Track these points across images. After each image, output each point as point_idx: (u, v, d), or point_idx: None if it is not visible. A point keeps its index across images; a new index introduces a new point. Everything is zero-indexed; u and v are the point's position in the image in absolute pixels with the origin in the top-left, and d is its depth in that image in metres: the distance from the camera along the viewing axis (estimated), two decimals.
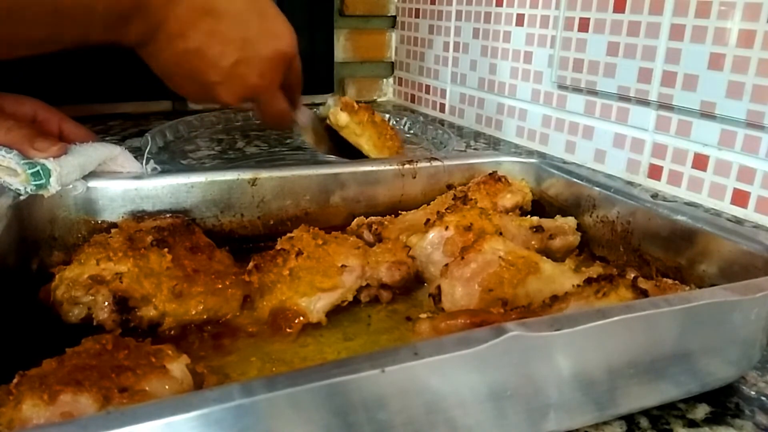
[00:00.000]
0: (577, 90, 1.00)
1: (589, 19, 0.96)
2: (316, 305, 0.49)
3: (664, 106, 0.86)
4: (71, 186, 0.55)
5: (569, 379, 0.36)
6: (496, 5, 1.17)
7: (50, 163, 0.51)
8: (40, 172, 0.51)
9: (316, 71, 1.45)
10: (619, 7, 0.90)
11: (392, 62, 1.60)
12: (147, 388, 0.34)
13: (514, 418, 0.35)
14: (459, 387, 0.32)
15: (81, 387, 0.32)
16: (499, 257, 0.50)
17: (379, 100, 1.61)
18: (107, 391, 0.32)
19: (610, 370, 0.37)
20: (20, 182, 0.50)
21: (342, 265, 0.51)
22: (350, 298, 0.52)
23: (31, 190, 0.51)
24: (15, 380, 0.34)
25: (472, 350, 0.31)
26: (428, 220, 0.60)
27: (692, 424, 0.40)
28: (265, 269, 0.51)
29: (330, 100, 0.78)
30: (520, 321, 0.33)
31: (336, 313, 0.52)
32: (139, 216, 0.58)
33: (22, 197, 0.51)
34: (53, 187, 0.52)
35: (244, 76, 0.58)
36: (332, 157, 0.79)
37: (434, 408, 0.32)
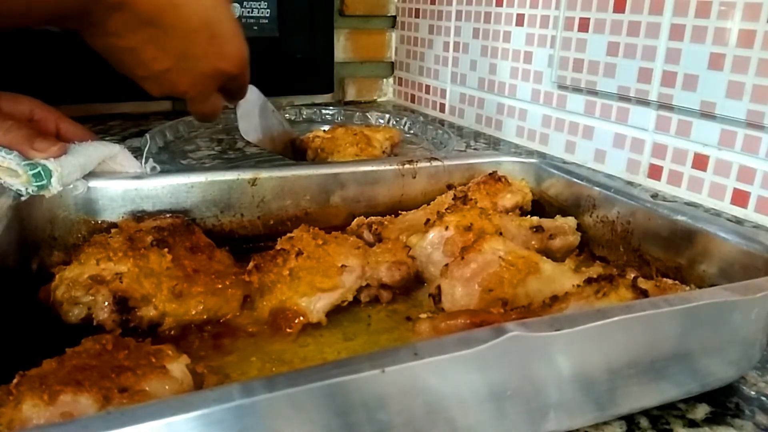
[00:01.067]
0: (577, 90, 1.00)
1: (589, 19, 0.96)
2: (316, 305, 0.49)
3: (664, 106, 0.86)
4: (72, 186, 0.55)
5: (569, 379, 0.36)
6: (496, 5, 1.17)
7: (51, 164, 0.51)
8: (41, 172, 0.51)
9: (316, 71, 1.45)
10: (619, 7, 0.90)
11: (392, 62, 1.60)
12: (147, 389, 0.34)
13: (514, 418, 0.35)
14: (459, 387, 0.32)
15: (81, 387, 0.32)
16: (499, 257, 0.50)
17: (379, 100, 1.61)
18: (107, 391, 0.32)
19: (610, 370, 0.37)
20: (21, 183, 0.50)
21: (342, 265, 0.51)
22: (350, 298, 0.52)
23: (32, 191, 0.51)
24: (15, 380, 0.33)
25: (472, 350, 0.31)
26: (428, 220, 0.60)
27: (692, 424, 0.40)
28: (265, 269, 0.51)
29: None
30: (520, 321, 0.33)
31: (336, 313, 0.52)
32: (139, 216, 0.58)
33: (23, 198, 0.51)
34: (54, 187, 0.52)
35: (173, 82, 0.59)
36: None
37: (434, 408, 0.32)
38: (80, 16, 0.51)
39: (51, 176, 0.51)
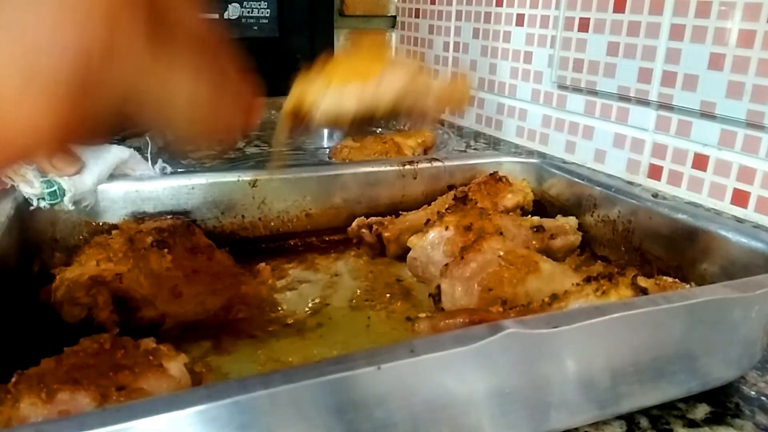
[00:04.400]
0: (577, 90, 1.00)
1: (589, 19, 0.96)
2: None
3: (664, 106, 0.86)
4: (82, 198, 0.55)
5: (568, 377, 0.36)
6: (496, 5, 1.17)
7: (66, 183, 0.52)
8: (57, 191, 0.52)
9: None
10: (619, 7, 0.90)
11: None
12: (145, 387, 0.34)
13: (512, 416, 0.35)
14: (456, 385, 0.32)
15: (79, 385, 0.32)
16: (499, 257, 0.50)
17: None
18: (105, 389, 0.33)
19: (609, 367, 0.37)
20: (35, 195, 0.52)
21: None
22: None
23: (44, 205, 0.52)
24: (13, 379, 0.34)
25: (469, 347, 0.31)
26: (428, 220, 0.60)
27: (692, 424, 0.40)
28: None
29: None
30: (517, 318, 0.33)
31: (336, 313, 0.52)
32: (139, 217, 0.58)
33: (32, 207, 0.52)
34: (66, 205, 0.53)
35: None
36: None
37: (431, 406, 0.32)
38: None
39: (65, 195, 0.52)
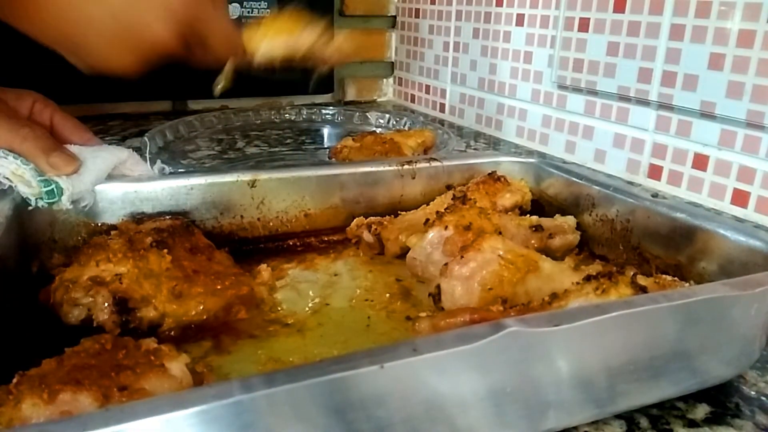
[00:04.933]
0: (577, 90, 1.00)
1: (589, 19, 0.96)
2: None
3: (664, 106, 0.86)
4: (80, 198, 0.55)
5: (568, 376, 0.36)
6: (496, 5, 1.17)
7: (64, 182, 0.52)
8: (54, 190, 0.51)
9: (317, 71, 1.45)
10: (619, 7, 0.90)
11: (392, 62, 1.60)
12: (146, 387, 0.34)
13: (513, 415, 0.35)
14: (458, 383, 0.32)
15: (80, 386, 0.32)
16: (499, 256, 0.50)
17: (379, 100, 1.61)
18: (107, 389, 0.33)
19: (609, 366, 0.37)
20: (32, 194, 0.51)
21: None
22: None
23: (42, 204, 0.52)
24: (15, 380, 0.34)
25: (471, 346, 0.31)
26: (428, 220, 0.60)
27: (692, 424, 0.40)
28: None
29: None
30: (518, 317, 0.33)
31: (336, 313, 0.52)
32: (138, 218, 0.58)
33: (30, 207, 0.52)
34: (64, 204, 0.53)
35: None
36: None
37: (433, 404, 0.32)
38: None
39: (63, 194, 0.52)
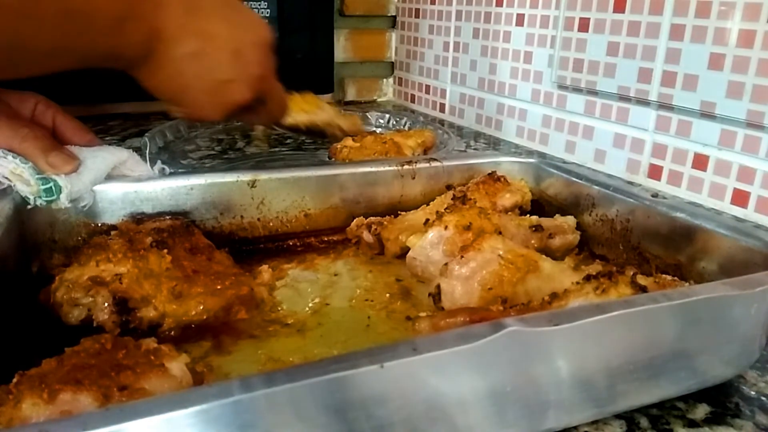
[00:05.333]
0: (577, 90, 1.00)
1: (589, 19, 0.96)
2: None
3: (664, 106, 0.86)
4: (79, 198, 0.55)
5: (568, 376, 0.36)
6: (496, 5, 1.17)
7: (62, 180, 0.52)
8: (52, 188, 0.51)
9: (316, 71, 1.45)
10: (619, 7, 0.90)
11: (392, 62, 1.60)
12: (146, 387, 0.34)
13: (512, 414, 0.35)
14: (458, 383, 0.32)
15: (80, 386, 0.32)
16: (499, 256, 0.50)
17: (379, 100, 1.61)
18: (107, 389, 0.33)
19: (609, 366, 0.37)
20: (31, 193, 0.51)
21: None
22: None
23: (40, 203, 0.52)
24: (15, 380, 0.34)
25: (471, 345, 0.31)
26: (427, 220, 0.60)
27: (692, 424, 0.40)
28: None
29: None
30: (518, 316, 0.33)
31: (336, 313, 0.52)
32: (138, 218, 0.58)
33: (30, 206, 0.52)
34: (63, 203, 0.52)
35: (247, 67, 0.55)
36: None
37: (433, 404, 0.32)
38: (135, 21, 0.48)
39: (61, 192, 0.52)
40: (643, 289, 0.41)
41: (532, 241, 0.59)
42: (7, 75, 0.44)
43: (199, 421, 0.26)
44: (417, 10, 1.44)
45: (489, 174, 0.69)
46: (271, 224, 0.65)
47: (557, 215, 0.64)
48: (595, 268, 0.48)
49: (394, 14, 1.55)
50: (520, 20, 1.11)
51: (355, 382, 0.29)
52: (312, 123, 0.88)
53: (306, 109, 0.88)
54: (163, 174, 0.61)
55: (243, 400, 0.27)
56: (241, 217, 0.63)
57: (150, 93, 0.53)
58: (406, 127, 1.09)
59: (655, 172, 0.89)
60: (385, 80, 1.61)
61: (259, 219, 0.64)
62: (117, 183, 0.58)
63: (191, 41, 0.51)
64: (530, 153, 1.06)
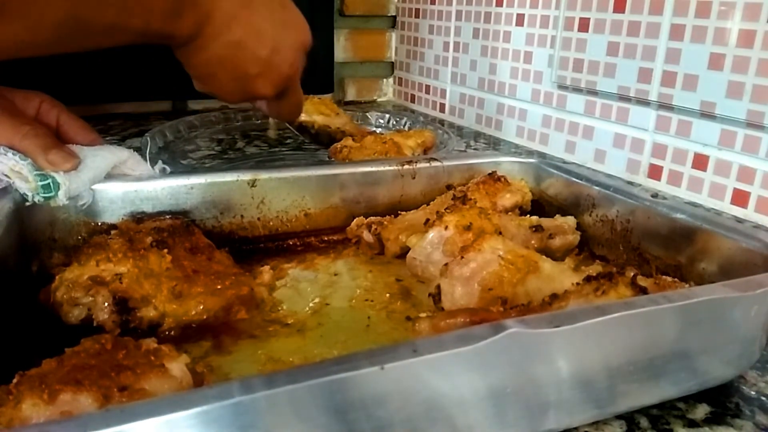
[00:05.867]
0: (577, 90, 1.00)
1: (589, 19, 0.96)
2: None
3: (664, 106, 0.86)
4: (78, 196, 0.55)
5: (568, 377, 0.36)
6: (496, 5, 1.17)
7: (60, 177, 0.52)
8: (51, 185, 0.51)
9: (316, 71, 1.45)
10: (619, 7, 0.90)
11: (392, 62, 1.60)
12: (146, 387, 0.34)
13: (513, 415, 0.35)
14: (458, 384, 0.32)
15: (81, 386, 0.32)
16: (499, 256, 0.50)
17: (379, 100, 1.61)
18: (107, 390, 0.32)
19: (609, 367, 0.37)
20: (30, 189, 0.51)
21: None
22: None
23: (39, 200, 0.52)
24: (15, 380, 0.34)
25: (471, 347, 0.31)
26: (428, 220, 0.60)
27: (692, 424, 0.40)
28: None
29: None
30: (518, 318, 0.33)
31: (336, 313, 0.52)
32: (138, 217, 0.58)
33: (28, 203, 0.52)
34: (61, 200, 0.52)
35: (278, 66, 0.58)
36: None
37: (433, 405, 0.32)
38: (191, 7, 0.50)
39: (59, 189, 0.52)
40: (644, 291, 0.41)
41: (533, 242, 0.59)
42: (63, 48, 0.45)
43: (199, 423, 0.26)
44: (417, 10, 1.44)
45: (489, 174, 0.69)
46: (271, 224, 0.65)
47: (557, 215, 0.64)
48: (596, 268, 0.48)
49: (394, 14, 1.55)
50: (520, 20, 1.11)
51: (355, 383, 0.29)
52: (325, 126, 0.94)
53: (323, 112, 0.94)
54: (163, 173, 0.61)
55: (243, 401, 0.27)
56: (241, 216, 0.63)
57: (183, 67, 0.56)
58: (406, 127, 1.09)
59: (655, 172, 0.89)
60: (385, 80, 1.61)
61: (259, 218, 0.64)
62: (117, 182, 0.58)
63: (237, 31, 0.53)
64: (530, 153, 1.07)
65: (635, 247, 0.57)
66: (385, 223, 0.64)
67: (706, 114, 0.81)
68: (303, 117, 0.92)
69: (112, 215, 0.58)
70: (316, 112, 0.93)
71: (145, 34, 0.48)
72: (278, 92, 0.60)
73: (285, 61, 0.58)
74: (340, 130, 0.94)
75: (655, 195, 0.58)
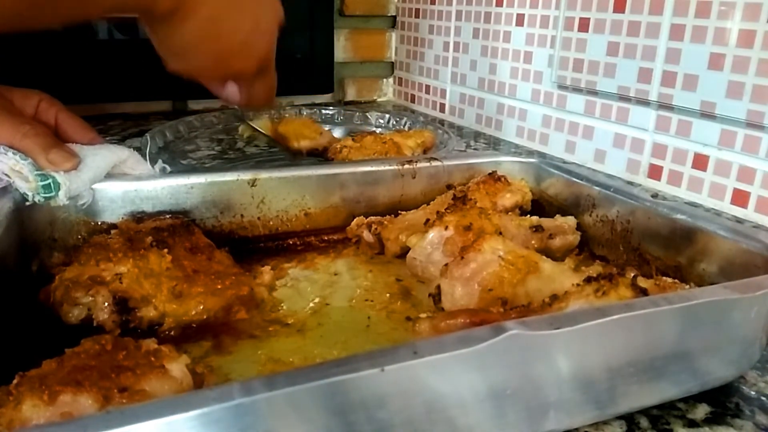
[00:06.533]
0: (577, 90, 1.00)
1: (589, 19, 0.96)
2: None
3: (664, 106, 0.86)
4: (78, 195, 0.55)
5: (569, 378, 0.36)
6: (496, 5, 1.17)
7: (61, 177, 0.52)
8: (51, 185, 0.51)
9: (316, 71, 1.45)
10: (619, 7, 0.90)
11: (392, 62, 1.60)
12: (146, 388, 0.34)
13: (513, 417, 0.35)
14: (458, 386, 0.32)
15: (81, 387, 0.32)
16: (499, 257, 0.50)
17: (379, 100, 1.61)
18: (107, 391, 0.32)
19: (610, 368, 0.37)
20: (30, 189, 0.51)
21: None
22: None
23: (39, 200, 0.52)
24: (15, 381, 0.34)
25: (472, 349, 0.31)
26: (428, 220, 0.60)
27: (692, 424, 0.40)
28: None
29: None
30: (519, 320, 0.33)
31: (336, 313, 0.52)
32: (138, 217, 0.58)
33: (28, 203, 0.52)
34: (61, 199, 0.52)
35: (257, 46, 0.57)
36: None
37: (434, 407, 0.32)
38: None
39: (59, 189, 0.52)
40: (644, 292, 0.41)
41: (533, 242, 0.59)
42: (32, 24, 0.43)
43: (200, 425, 0.26)
44: (417, 10, 1.44)
45: (489, 174, 0.69)
46: (271, 223, 0.65)
47: (557, 216, 0.64)
48: (596, 269, 0.48)
49: (394, 14, 1.55)
50: (520, 20, 1.11)
51: (355, 385, 0.29)
52: (313, 149, 0.95)
53: (308, 135, 0.95)
54: (163, 173, 0.61)
55: (244, 403, 0.27)
56: (242, 216, 0.63)
57: (155, 45, 0.54)
58: (406, 127, 1.09)
59: (655, 172, 0.89)
60: (385, 80, 1.61)
61: (259, 218, 0.64)
62: (117, 182, 0.58)
63: (218, 3, 0.52)
64: (530, 153, 1.06)
65: (635, 248, 0.57)
66: (385, 222, 0.64)
67: (706, 114, 0.81)
68: (292, 144, 0.94)
69: (112, 215, 0.58)
70: (300, 137, 0.94)
71: (122, 6, 0.47)
72: (259, 69, 0.59)
73: (265, 35, 0.57)
74: (330, 144, 0.95)
75: (655, 195, 0.58)
